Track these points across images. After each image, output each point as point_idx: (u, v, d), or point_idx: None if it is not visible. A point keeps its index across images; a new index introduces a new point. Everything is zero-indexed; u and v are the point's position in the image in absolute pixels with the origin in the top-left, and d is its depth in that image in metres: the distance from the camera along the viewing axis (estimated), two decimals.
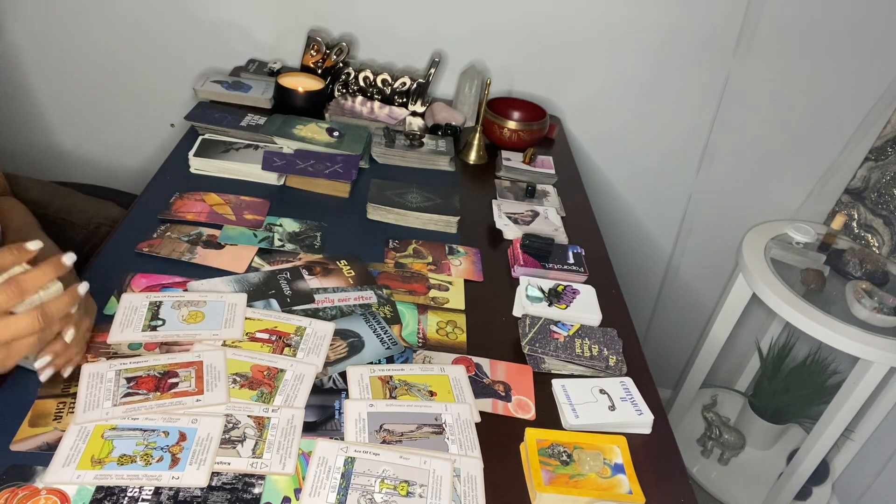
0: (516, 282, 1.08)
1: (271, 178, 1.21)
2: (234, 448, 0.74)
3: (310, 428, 0.78)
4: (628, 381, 0.92)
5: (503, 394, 0.88)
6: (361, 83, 1.50)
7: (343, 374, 0.86)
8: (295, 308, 0.94)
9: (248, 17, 1.56)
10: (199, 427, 0.75)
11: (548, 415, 0.87)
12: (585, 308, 1.02)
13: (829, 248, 1.57)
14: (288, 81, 1.38)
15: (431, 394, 0.85)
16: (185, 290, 0.94)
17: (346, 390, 0.84)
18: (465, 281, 1.07)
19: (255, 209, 1.13)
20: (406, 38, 1.57)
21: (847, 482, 1.82)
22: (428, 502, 0.71)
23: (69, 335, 0.72)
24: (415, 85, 1.51)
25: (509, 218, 1.22)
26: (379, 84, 1.50)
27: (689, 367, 1.83)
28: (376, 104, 1.50)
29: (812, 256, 1.56)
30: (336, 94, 1.51)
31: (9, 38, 1.59)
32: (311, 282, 1.00)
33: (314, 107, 1.39)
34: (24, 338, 0.67)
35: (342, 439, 0.77)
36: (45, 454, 0.70)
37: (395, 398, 0.83)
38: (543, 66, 1.61)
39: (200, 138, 1.25)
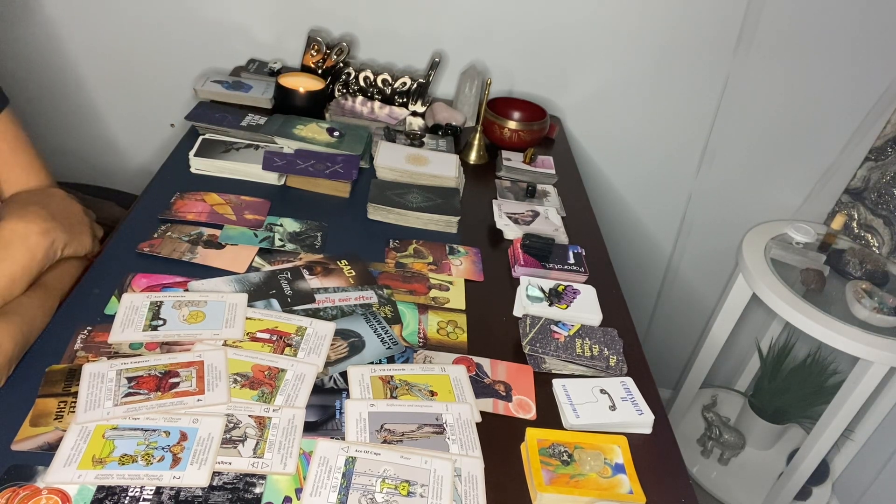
0: (517, 282, 1.08)
1: (272, 178, 1.21)
2: (235, 448, 0.74)
3: (311, 428, 0.78)
4: (629, 380, 0.92)
5: (504, 394, 0.88)
6: (362, 83, 1.50)
7: (344, 374, 0.86)
8: (295, 308, 0.94)
9: (249, 17, 1.57)
10: (200, 427, 0.75)
11: (548, 415, 0.87)
12: (586, 308, 1.02)
13: (829, 248, 1.58)
14: (288, 81, 1.38)
15: (432, 394, 0.85)
16: (186, 290, 0.94)
17: (347, 390, 0.84)
18: (466, 281, 1.07)
19: (255, 209, 1.13)
20: (406, 38, 1.57)
21: (847, 482, 1.82)
22: (429, 502, 0.71)
23: None
24: (415, 85, 1.51)
25: (510, 218, 1.22)
26: (379, 84, 1.51)
27: (689, 367, 1.83)
28: (376, 104, 1.50)
29: (812, 256, 1.56)
30: (336, 94, 1.51)
31: (6, 41, 1.59)
32: (312, 282, 1.00)
33: (314, 107, 1.39)
34: None
35: (343, 439, 0.77)
36: (47, 454, 0.70)
37: (395, 398, 0.83)
38: (543, 66, 1.61)
39: (201, 138, 1.25)
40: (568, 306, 1.01)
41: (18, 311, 0.82)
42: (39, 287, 0.87)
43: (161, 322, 0.87)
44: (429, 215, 1.17)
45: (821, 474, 1.77)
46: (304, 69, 1.50)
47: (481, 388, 0.88)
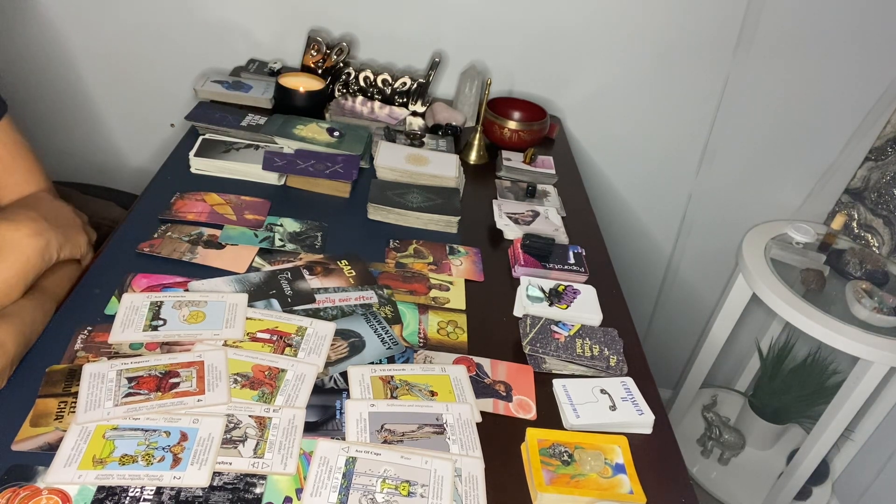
0: (517, 282, 1.08)
1: (272, 178, 1.21)
2: (236, 448, 0.74)
3: (311, 428, 0.78)
4: (629, 380, 0.92)
5: (504, 394, 0.88)
6: (362, 83, 1.50)
7: (344, 374, 0.86)
8: (296, 308, 0.94)
9: (249, 17, 1.56)
10: (201, 427, 0.75)
11: (549, 415, 0.87)
12: (586, 308, 1.02)
13: (829, 248, 1.58)
14: (288, 81, 1.38)
15: (432, 394, 0.85)
16: (186, 290, 0.94)
17: (347, 390, 0.84)
18: (466, 281, 1.07)
19: (255, 209, 1.13)
20: (406, 38, 1.57)
21: (847, 482, 1.82)
22: (429, 502, 0.71)
23: None
24: (415, 85, 1.51)
25: (510, 218, 1.22)
26: (379, 84, 1.50)
27: (689, 367, 1.83)
28: (377, 104, 1.50)
29: (812, 256, 1.56)
30: (336, 94, 1.51)
31: (6, 41, 1.59)
32: (312, 282, 1.00)
33: (315, 107, 1.39)
34: None
35: (343, 439, 0.77)
36: (47, 454, 0.70)
37: (396, 398, 0.83)
38: (544, 66, 1.61)
39: (201, 138, 1.25)
40: (568, 306, 1.01)
41: (19, 314, 0.82)
42: (38, 290, 0.87)
43: (161, 322, 0.87)
44: (429, 215, 1.17)
45: (821, 474, 1.77)
46: (304, 69, 1.50)
47: (481, 388, 0.88)
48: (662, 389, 2.10)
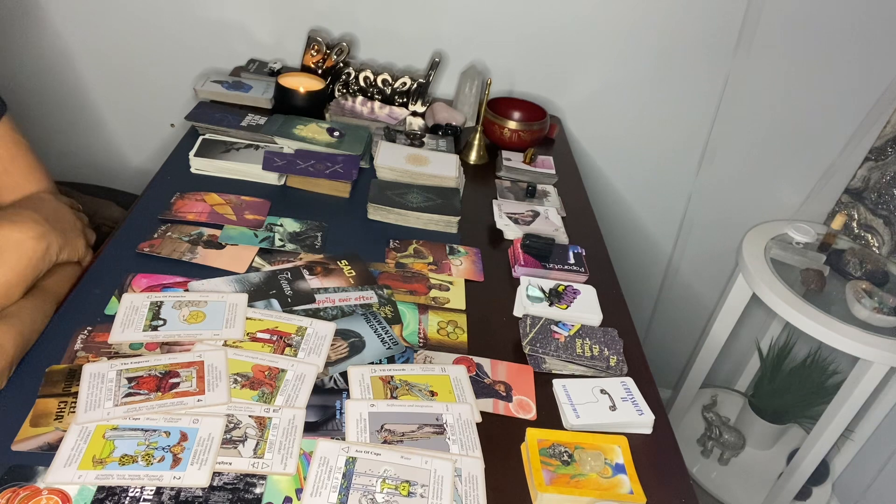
0: (517, 282, 1.08)
1: (272, 178, 1.21)
2: (236, 448, 0.74)
3: (311, 428, 0.78)
4: (629, 381, 0.92)
5: (504, 394, 0.88)
6: (362, 83, 1.50)
7: (344, 374, 0.86)
8: (296, 308, 0.94)
9: (249, 17, 1.57)
10: (201, 427, 0.75)
11: (549, 415, 0.87)
12: (586, 308, 1.02)
13: (829, 248, 1.58)
14: (288, 81, 1.38)
15: (432, 394, 0.85)
16: (186, 290, 0.94)
17: (347, 390, 0.84)
18: (466, 281, 1.07)
19: (255, 209, 1.13)
20: (406, 38, 1.57)
21: (847, 482, 1.82)
22: (429, 502, 0.71)
23: None
24: (415, 85, 1.51)
25: (510, 218, 1.22)
26: (379, 84, 1.50)
27: (689, 367, 1.83)
28: (377, 104, 1.50)
29: (812, 256, 1.56)
30: (336, 94, 1.51)
31: (6, 41, 1.59)
32: (312, 282, 1.00)
33: (315, 107, 1.39)
34: None
35: (343, 439, 0.77)
36: (47, 454, 0.70)
37: (396, 398, 0.83)
38: (544, 66, 1.61)
39: (201, 138, 1.25)
40: (568, 306, 1.01)
41: (18, 315, 0.82)
42: (38, 291, 0.88)
43: (161, 322, 0.87)
44: (429, 215, 1.17)
45: (821, 474, 1.77)
46: (304, 69, 1.50)
47: (481, 388, 0.88)
48: (662, 389, 2.10)
